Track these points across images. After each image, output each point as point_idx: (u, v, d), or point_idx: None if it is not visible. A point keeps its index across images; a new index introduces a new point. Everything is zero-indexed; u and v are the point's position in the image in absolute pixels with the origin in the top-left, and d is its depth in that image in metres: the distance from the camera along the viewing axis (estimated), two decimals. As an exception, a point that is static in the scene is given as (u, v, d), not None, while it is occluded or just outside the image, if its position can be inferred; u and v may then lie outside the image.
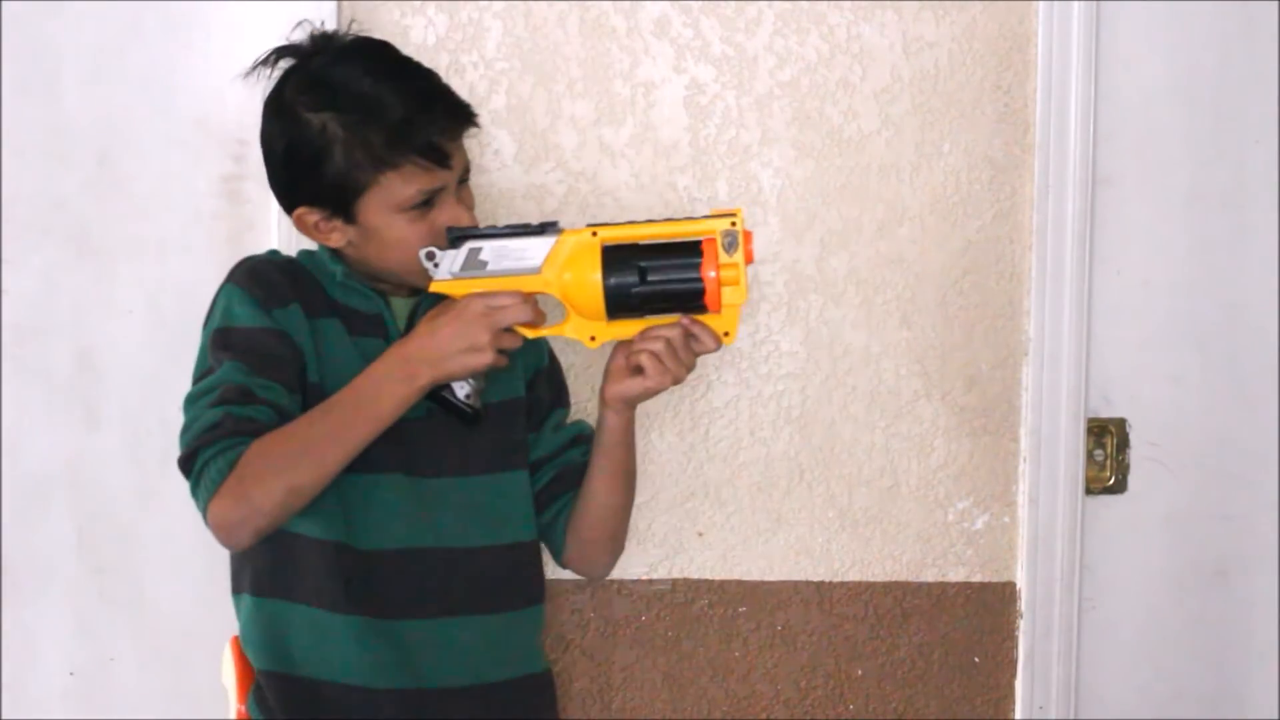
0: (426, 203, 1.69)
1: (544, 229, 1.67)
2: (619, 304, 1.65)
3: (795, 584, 2.22)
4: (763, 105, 2.17)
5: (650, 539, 2.19)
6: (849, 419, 2.21)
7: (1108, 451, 2.30)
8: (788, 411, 2.20)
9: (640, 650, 2.20)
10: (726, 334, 1.67)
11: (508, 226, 1.69)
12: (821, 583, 2.22)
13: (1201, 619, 2.35)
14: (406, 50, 2.08)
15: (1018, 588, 2.26)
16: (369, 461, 1.67)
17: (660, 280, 1.64)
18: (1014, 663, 2.27)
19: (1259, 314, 2.32)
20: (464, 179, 1.75)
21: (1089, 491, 2.29)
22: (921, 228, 2.20)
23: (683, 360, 1.68)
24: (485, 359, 1.63)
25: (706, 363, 2.17)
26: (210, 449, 1.61)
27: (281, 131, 1.71)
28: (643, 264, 1.64)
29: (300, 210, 1.72)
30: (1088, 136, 2.21)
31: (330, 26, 2.06)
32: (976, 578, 2.25)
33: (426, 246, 1.68)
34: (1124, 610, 2.33)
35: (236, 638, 1.79)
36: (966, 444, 2.24)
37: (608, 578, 2.17)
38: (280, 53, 1.76)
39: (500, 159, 2.13)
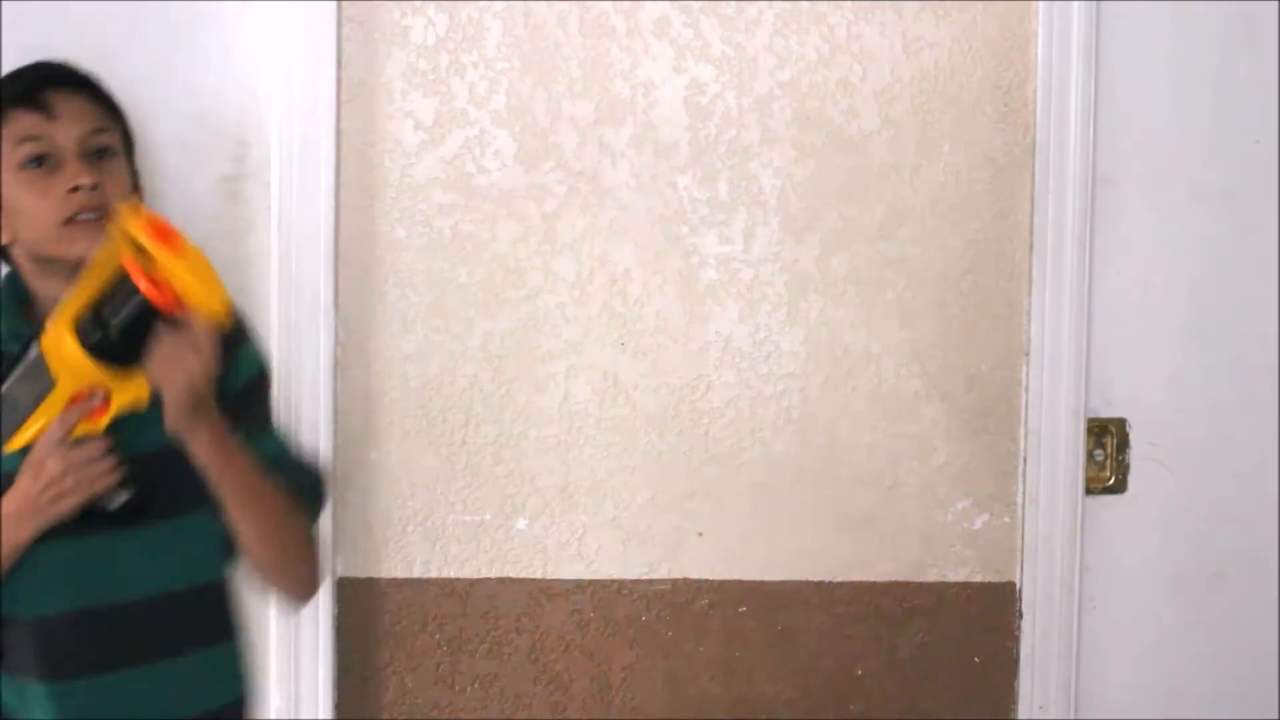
0: (43, 163, 1.67)
1: (29, 344, 1.64)
2: (109, 354, 1.61)
3: (795, 584, 2.22)
4: (763, 105, 2.17)
5: (650, 539, 2.19)
6: (849, 419, 2.21)
7: (1108, 451, 2.30)
8: (788, 411, 2.20)
9: (640, 650, 2.20)
10: (212, 309, 1.60)
11: (10, 360, 1.66)
12: (822, 583, 2.22)
13: (1201, 619, 2.35)
14: (406, 49, 2.10)
15: (1018, 588, 2.26)
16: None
17: (117, 315, 1.60)
18: (1014, 663, 2.27)
19: (1259, 314, 2.32)
20: (104, 152, 1.72)
21: (1089, 491, 2.29)
22: (921, 228, 2.20)
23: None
24: (75, 500, 1.63)
25: (707, 363, 2.18)
26: None
27: None
28: (95, 314, 1.61)
29: None
30: (1088, 136, 2.21)
31: (330, 26, 2.07)
32: (976, 578, 2.25)
33: (58, 211, 1.66)
34: (1124, 610, 2.32)
35: None
36: (966, 444, 2.24)
37: (608, 578, 2.18)
38: None
39: (500, 159, 2.13)
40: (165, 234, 1.59)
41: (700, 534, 2.20)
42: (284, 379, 2.05)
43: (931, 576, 2.24)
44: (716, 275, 2.17)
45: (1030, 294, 2.22)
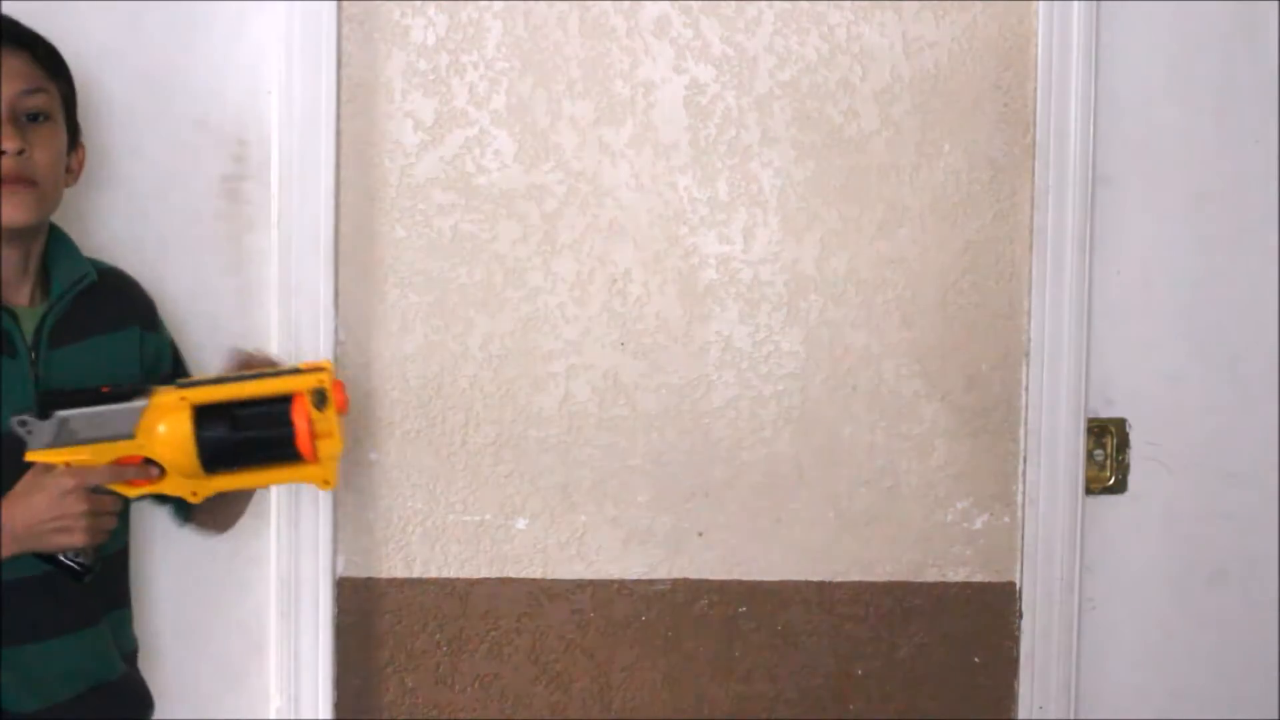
0: None
1: (134, 393, 1.65)
2: (214, 458, 1.64)
3: (795, 584, 2.22)
4: (763, 105, 2.16)
5: (650, 539, 2.19)
6: (849, 419, 2.21)
7: (1108, 451, 2.30)
8: (788, 411, 2.20)
9: (640, 650, 2.20)
10: (326, 481, 1.67)
11: (97, 392, 1.66)
12: (822, 583, 2.22)
13: (1201, 619, 2.35)
14: (407, 49, 2.10)
15: (1018, 588, 2.26)
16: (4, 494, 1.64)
17: (253, 432, 1.64)
18: (1014, 663, 2.27)
19: (1259, 314, 2.32)
20: (37, 117, 1.69)
21: (1089, 491, 2.29)
22: (921, 228, 2.20)
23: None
24: (78, 539, 1.61)
25: (707, 363, 2.18)
26: None
27: None
28: (234, 417, 1.64)
29: None
30: (1088, 136, 2.21)
31: (330, 25, 2.07)
32: (976, 578, 2.25)
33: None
34: (1124, 610, 2.33)
35: None
36: (966, 444, 2.24)
37: (608, 578, 2.17)
38: None
39: (500, 159, 2.13)
40: (339, 399, 1.65)
41: (700, 534, 2.20)
42: (284, 379, 2.05)
43: (931, 576, 2.24)
44: (716, 275, 2.17)
45: (1030, 294, 2.22)
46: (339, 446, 1.66)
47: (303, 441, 1.64)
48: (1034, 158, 2.21)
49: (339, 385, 1.65)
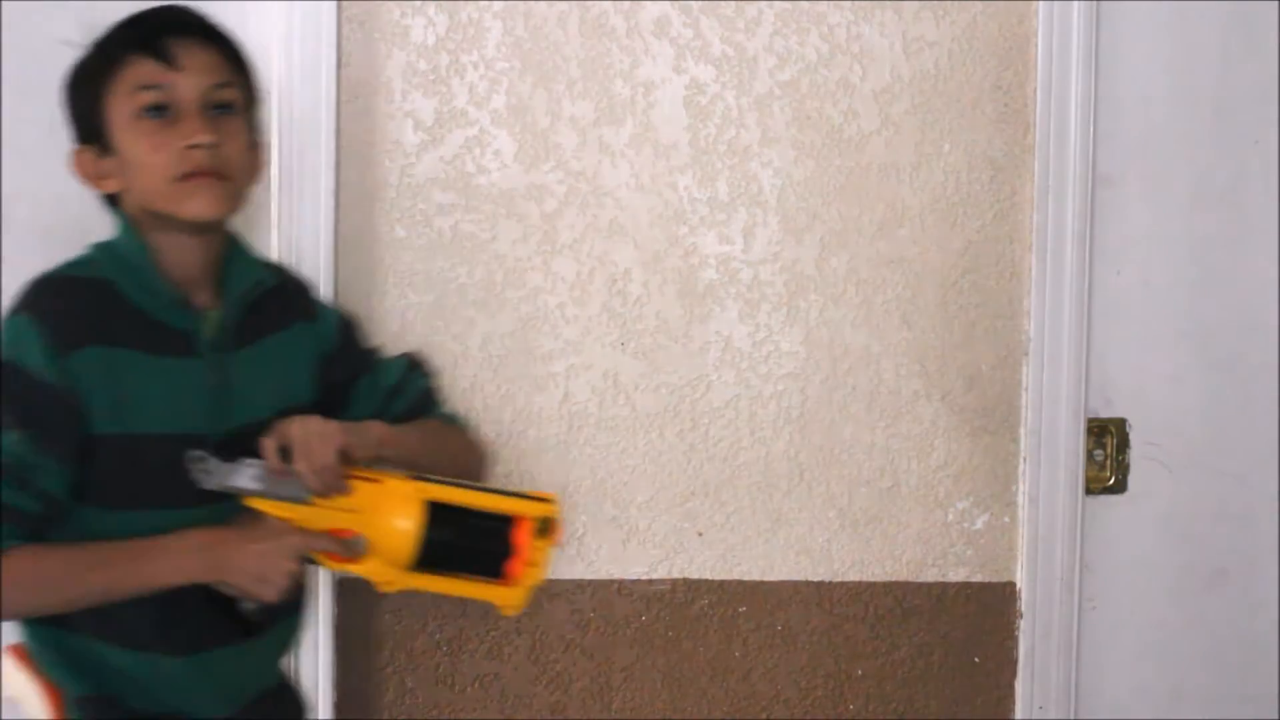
0: (162, 113, 1.64)
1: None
2: (428, 558, 1.65)
3: (795, 584, 2.22)
4: (763, 105, 2.16)
5: (650, 539, 2.19)
6: (849, 419, 2.21)
7: (1108, 451, 2.30)
8: (788, 411, 2.20)
9: (640, 650, 2.20)
10: (515, 607, 1.70)
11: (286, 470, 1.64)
12: (821, 583, 2.22)
13: (1202, 619, 2.35)
14: (407, 49, 2.10)
15: (1018, 588, 2.26)
16: (156, 498, 1.64)
17: (474, 543, 1.66)
18: (1014, 663, 2.27)
19: (1259, 314, 2.32)
20: (225, 108, 1.68)
21: (1089, 491, 2.29)
22: (921, 228, 2.20)
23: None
24: (270, 596, 1.63)
25: (707, 363, 2.18)
26: None
27: (64, 84, 1.71)
28: (460, 525, 1.65)
29: (74, 150, 1.69)
30: (1088, 136, 2.21)
31: (330, 25, 2.07)
32: (976, 578, 2.25)
33: (173, 167, 1.63)
34: (1124, 610, 2.32)
35: (17, 647, 1.72)
36: (966, 444, 2.24)
37: (608, 578, 2.17)
38: None
39: (500, 159, 2.13)
40: (558, 534, 1.70)
41: (700, 534, 2.20)
42: (284, 379, 2.05)
43: (931, 576, 2.24)
44: (716, 275, 2.17)
45: (1030, 294, 2.22)
46: (541, 578, 1.69)
47: (516, 566, 1.66)
48: (1034, 158, 2.21)
49: (558, 524, 1.69)
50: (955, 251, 2.22)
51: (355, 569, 1.67)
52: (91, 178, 1.69)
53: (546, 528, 1.67)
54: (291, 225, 2.08)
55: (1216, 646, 2.36)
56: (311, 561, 1.67)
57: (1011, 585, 2.26)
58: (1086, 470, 2.27)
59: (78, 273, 1.69)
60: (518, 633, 2.18)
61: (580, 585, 2.18)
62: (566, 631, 2.19)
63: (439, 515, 1.65)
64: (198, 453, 1.62)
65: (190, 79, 1.65)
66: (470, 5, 2.11)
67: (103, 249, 1.71)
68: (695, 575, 2.20)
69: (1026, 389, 2.24)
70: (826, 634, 2.23)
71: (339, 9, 2.08)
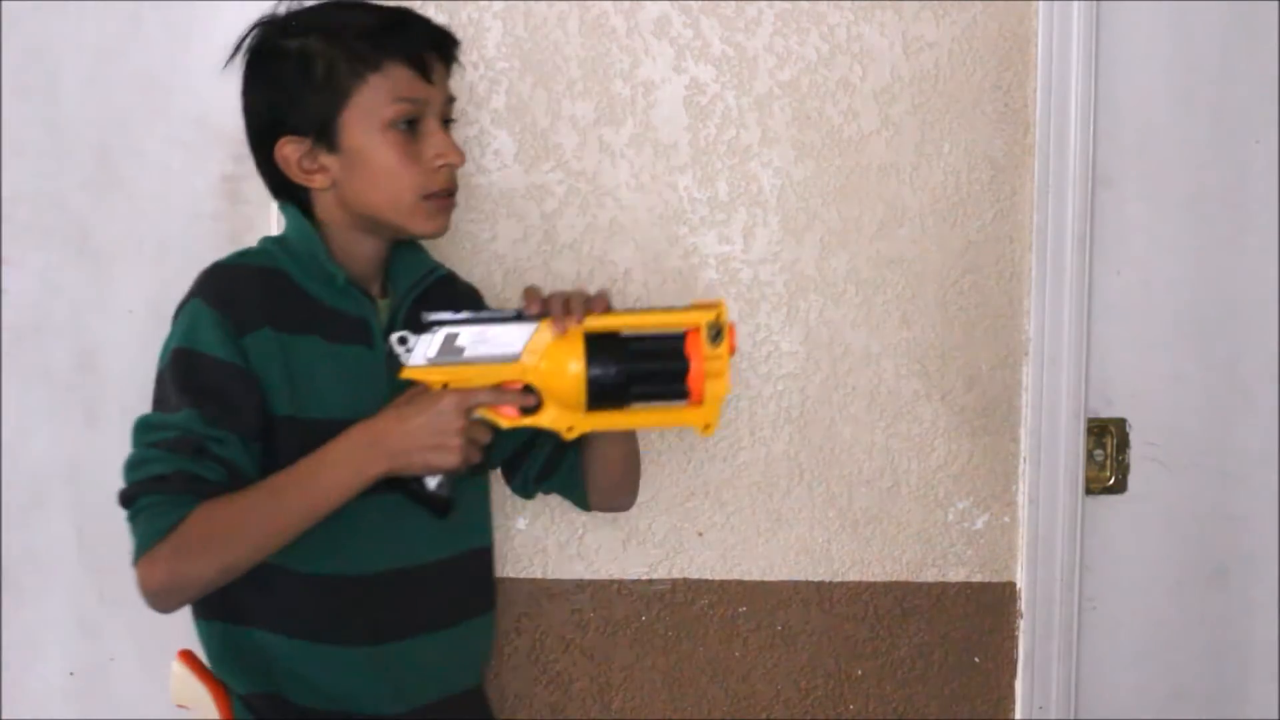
0: (411, 127, 1.64)
1: (521, 314, 1.62)
2: (600, 394, 1.61)
3: (795, 584, 2.22)
4: (763, 105, 2.17)
5: (650, 539, 2.19)
6: (849, 419, 2.21)
7: (1108, 451, 2.30)
8: (788, 411, 2.20)
9: (640, 650, 2.20)
10: (707, 426, 1.63)
11: (485, 313, 1.64)
12: (821, 583, 2.22)
13: (1201, 619, 2.35)
14: (406, 50, 2.09)
15: (1018, 588, 2.26)
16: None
17: (643, 370, 1.61)
18: (1014, 663, 2.27)
19: (1259, 314, 2.32)
20: (450, 119, 1.71)
21: (1089, 491, 2.29)
22: (921, 228, 2.20)
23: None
24: (452, 461, 1.59)
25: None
26: (150, 498, 1.56)
27: (261, 73, 1.68)
28: (625, 353, 1.61)
29: (282, 141, 1.66)
30: (1088, 136, 2.21)
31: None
32: (976, 578, 2.25)
33: (422, 184, 1.64)
34: (1124, 610, 2.33)
35: (186, 652, 1.73)
36: (966, 444, 2.24)
37: (609, 578, 2.17)
38: (255, 24, 1.73)
39: (500, 159, 2.13)
40: (731, 341, 1.62)
41: (700, 534, 2.20)
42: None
43: (931, 576, 2.24)
44: (716, 275, 2.17)
45: (1030, 294, 2.22)
46: (726, 389, 1.61)
47: (694, 379, 1.60)
48: (1034, 158, 2.21)
49: (731, 328, 1.61)
50: (955, 251, 2.22)
51: (532, 421, 1.62)
52: (295, 169, 1.67)
53: (718, 333, 1.60)
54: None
55: (1216, 646, 2.36)
56: (488, 424, 1.62)
57: (1011, 585, 2.26)
58: (1086, 470, 2.27)
59: (250, 261, 1.69)
60: (517, 633, 2.18)
61: (580, 585, 2.18)
62: (566, 631, 2.19)
63: (602, 347, 1.60)
64: (399, 334, 1.59)
65: (437, 93, 1.67)
66: (470, 5, 2.11)
67: (274, 241, 1.71)
68: (695, 575, 2.20)
69: (1026, 389, 2.24)
70: (826, 634, 2.23)
71: (339, 9, 2.08)
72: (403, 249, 1.76)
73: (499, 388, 1.60)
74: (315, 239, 1.67)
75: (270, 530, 1.58)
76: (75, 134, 2.10)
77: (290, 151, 1.66)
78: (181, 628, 2.15)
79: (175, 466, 1.56)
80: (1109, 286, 2.27)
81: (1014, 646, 2.27)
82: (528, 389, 1.61)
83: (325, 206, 1.69)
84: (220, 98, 2.11)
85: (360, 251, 1.70)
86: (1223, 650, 2.36)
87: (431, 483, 1.62)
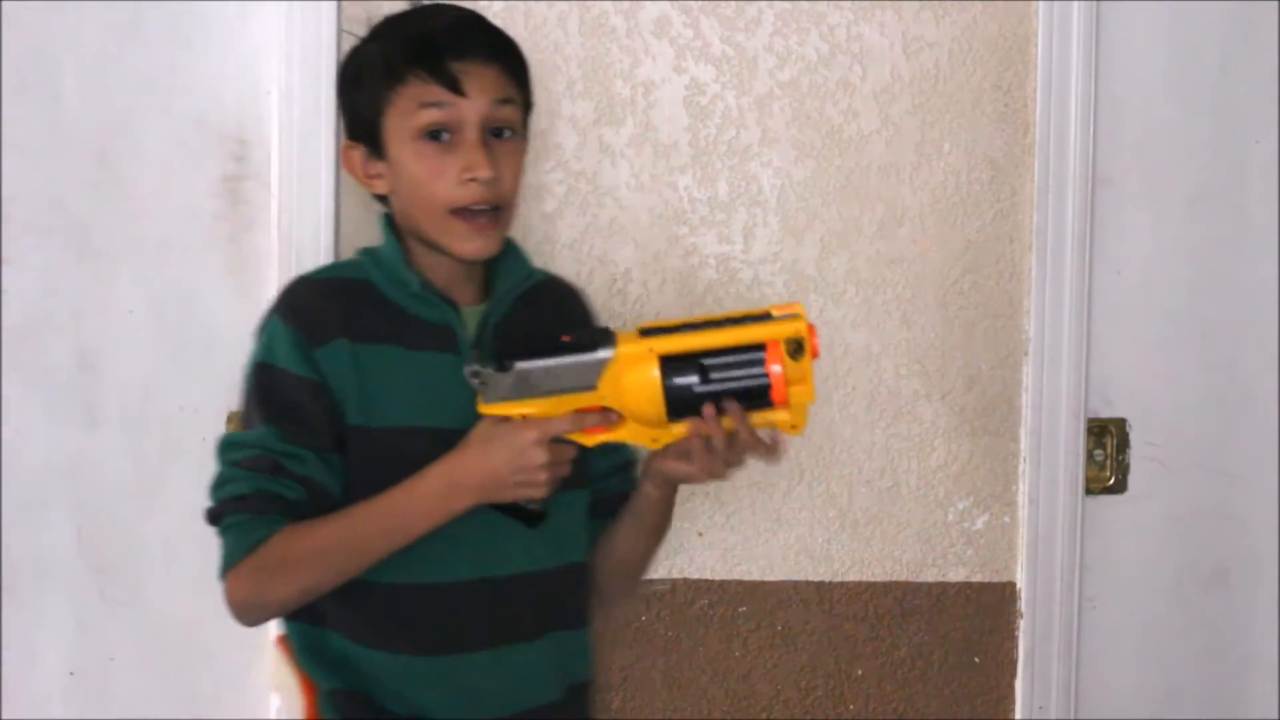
0: (440, 137, 1.62)
1: (596, 342, 1.59)
2: (680, 405, 1.58)
3: (795, 584, 2.22)
4: (763, 105, 2.17)
5: (650, 539, 2.19)
6: (849, 419, 2.21)
7: (1108, 451, 2.30)
8: (788, 411, 2.20)
9: (640, 650, 2.20)
10: (794, 426, 1.60)
11: (556, 341, 1.60)
12: (821, 583, 2.22)
13: (1201, 619, 2.35)
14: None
15: (1018, 588, 2.26)
16: None
17: (723, 380, 1.57)
18: (1014, 663, 2.27)
19: (1259, 314, 2.32)
20: (502, 132, 1.66)
21: (1089, 491, 2.29)
22: (921, 228, 2.20)
23: (729, 460, 1.61)
24: (538, 493, 1.59)
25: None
26: (234, 517, 1.60)
27: (339, 76, 1.74)
28: (703, 368, 1.57)
29: (345, 143, 1.70)
30: (1088, 136, 2.21)
31: (330, 26, 2.07)
32: (976, 578, 2.25)
33: (448, 198, 1.62)
34: (1124, 610, 2.33)
35: (282, 638, 1.75)
36: (966, 444, 2.24)
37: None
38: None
39: (500, 159, 2.13)
40: (813, 345, 1.58)
41: (700, 534, 2.20)
42: (284, 379, 2.05)
43: (931, 577, 2.24)
44: (716, 275, 2.17)
45: (1030, 294, 2.22)
46: (811, 395, 1.58)
47: (777, 393, 1.57)
48: (1034, 158, 2.21)
49: (812, 330, 1.58)
50: (955, 251, 2.22)
51: (613, 435, 1.61)
52: (360, 175, 1.69)
53: (797, 348, 1.56)
54: (291, 225, 2.08)
55: (1216, 646, 2.36)
56: (569, 443, 1.61)
57: (1011, 585, 2.26)
58: (1086, 470, 2.27)
59: (333, 274, 1.72)
60: (518, 633, 2.18)
61: (580, 585, 2.18)
62: (566, 631, 2.19)
63: (679, 363, 1.57)
64: (471, 368, 1.58)
65: (473, 102, 1.62)
66: (470, 5, 2.11)
67: (366, 252, 1.72)
68: (695, 575, 2.20)
69: (1026, 389, 2.24)
70: (826, 634, 2.23)
71: (339, 9, 2.08)
72: (507, 255, 1.74)
73: (578, 413, 1.59)
74: (395, 246, 1.69)
75: (351, 558, 1.60)
76: (75, 134, 2.10)
77: (353, 155, 1.69)
78: (179, 629, 2.16)
79: (255, 486, 1.59)
80: (1109, 286, 2.27)
81: (1014, 646, 2.27)
82: (607, 410, 1.60)
83: (397, 214, 1.71)
84: (220, 98, 2.12)
85: (436, 260, 1.69)
86: (1222, 650, 2.36)
87: (530, 504, 1.62)
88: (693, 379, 1.57)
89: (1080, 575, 2.27)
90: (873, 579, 2.23)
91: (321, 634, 1.67)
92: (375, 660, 1.64)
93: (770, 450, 1.62)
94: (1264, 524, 2.34)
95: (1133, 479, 2.32)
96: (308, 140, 2.07)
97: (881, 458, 2.22)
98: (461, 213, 1.63)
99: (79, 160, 2.10)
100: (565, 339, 1.60)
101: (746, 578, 2.21)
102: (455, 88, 1.61)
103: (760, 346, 1.56)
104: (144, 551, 2.14)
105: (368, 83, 1.66)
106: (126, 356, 2.12)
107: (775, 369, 1.56)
